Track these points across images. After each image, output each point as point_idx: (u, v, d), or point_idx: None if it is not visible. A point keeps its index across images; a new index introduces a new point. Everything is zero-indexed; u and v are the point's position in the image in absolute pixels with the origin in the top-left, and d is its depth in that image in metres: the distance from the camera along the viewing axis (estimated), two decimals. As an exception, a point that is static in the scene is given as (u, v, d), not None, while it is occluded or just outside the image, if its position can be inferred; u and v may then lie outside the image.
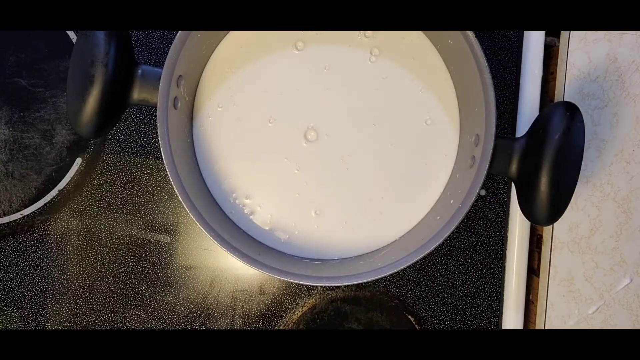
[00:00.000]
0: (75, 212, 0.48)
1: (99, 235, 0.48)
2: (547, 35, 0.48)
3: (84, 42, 0.36)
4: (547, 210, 0.35)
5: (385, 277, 0.42)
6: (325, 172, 0.44)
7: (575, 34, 0.46)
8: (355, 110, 0.44)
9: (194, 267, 0.49)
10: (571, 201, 0.35)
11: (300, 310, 0.48)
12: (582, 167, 0.38)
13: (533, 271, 0.49)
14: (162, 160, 0.36)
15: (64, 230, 0.48)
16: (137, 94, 0.37)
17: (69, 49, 0.47)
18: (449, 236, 0.38)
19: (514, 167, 0.36)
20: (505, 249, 0.48)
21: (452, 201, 0.41)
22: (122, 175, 0.48)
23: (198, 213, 0.39)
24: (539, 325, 0.48)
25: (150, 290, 0.49)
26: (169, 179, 0.38)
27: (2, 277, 0.49)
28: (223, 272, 0.49)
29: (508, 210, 0.48)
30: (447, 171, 0.44)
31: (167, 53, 0.36)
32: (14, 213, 0.48)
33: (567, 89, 0.46)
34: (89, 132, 0.35)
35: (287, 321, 0.48)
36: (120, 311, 0.49)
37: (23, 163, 0.48)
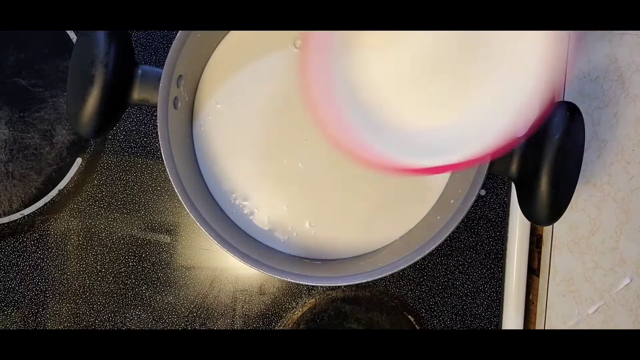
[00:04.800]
0: (75, 212, 0.48)
1: (99, 235, 0.48)
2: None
3: (84, 42, 0.36)
4: (547, 210, 0.35)
5: (385, 277, 0.42)
6: (325, 171, 0.44)
7: (576, 34, 0.46)
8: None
9: (194, 267, 0.49)
10: (571, 201, 0.35)
11: (300, 310, 0.48)
12: (582, 167, 0.38)
13: (533, 271, 0.49)
14: (162, 160, 0.36)
15: (64, 230, 0.48)
16: (137, 94, 0.37)
17: (69, 49, 0.47)
18: (449, 236, 0.38)
19: (514, 167, 0.36)
20: (505, 249, 0.48)
21: (452, 201, 0.41)
22: (122, 175, 0.48)
23: (198, 213, 0.39)
24: (539, 325, 0.48)
25: (150, 290, 0.49)
26: (169, 179, 0.38)
27: (2, 277, 0.49)
28: (223, 272, 0.49)
29: (508, 210, 0.48)
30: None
31: (167, 53, 0.36)
32: (14, 213, 0.48)
33: (567, 89, 0.46)
34: (89, 132, 0.35)
35: (287, 321, 0.48)
36: (120, 311, 0.49)
37: (23, 163, 0.48)
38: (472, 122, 0.29)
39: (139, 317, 0.49)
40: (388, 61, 0.30)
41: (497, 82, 0.29)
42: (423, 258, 0.38)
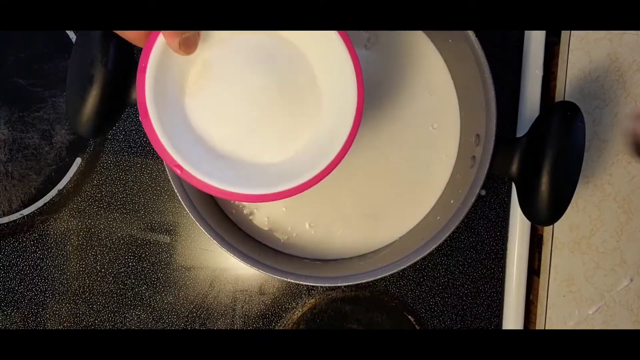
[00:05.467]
0: (75, 212, 0.48)
1: (99, 235, 0.48)
2: (547, 35, 0.47)
3: (83, 42, 0.36)
4: (547, 210, 0.35)
5: (385, 277, 0.42)
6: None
7: (576, 34, 0.46)
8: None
9: (194, 267, 0.49)
10: (572, 201, 0.35)
11: (300, 310, 0.48)
12: (583, 167, 0.38)
13: (533, 271, 0.49)
14: (162, 160, 0.36)
15: (64, 230, 0.48)
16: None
17: (69, 48, 0.47)
18: (449, 236, 0.38)
19: (514, 167, 0.36)
20: (506, 249, 0.48)
21: (452, 201, 0.40)
22: (122, 175, 0.48)
23: (198, 213, 0.39)
24: (539, 326, 0.48)
25: (150, 290, 0.49)
26: (169, 179, 0.38)
27: (2, 277, 0.49)
28: (223, 272, 0.49)
29: (508, 210, 0.48)
30: (448, 171, 0.44)
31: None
32: (13, 213, 0.48)
33: (568, 89, 0.46)
34: (88, 132, 0.35)
35: (287, 321, 0.48)
36: (120, 311, 0.49)
37: (22, 163, 0.48)
38: (304, 156, 0.34)
39: (139, 317, 0.49)
40: (222, 103, 0.34)
41: (318, 123, 0.34)
42: (423, 258, 0.38)
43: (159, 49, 0.31)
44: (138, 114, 0.48)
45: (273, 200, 0.33)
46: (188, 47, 0.31)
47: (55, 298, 0.49)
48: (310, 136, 0.34)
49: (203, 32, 0.32)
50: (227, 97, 0.33)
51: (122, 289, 0.49)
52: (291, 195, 0.32)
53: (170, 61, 0.31)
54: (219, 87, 0.33)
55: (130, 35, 0.30)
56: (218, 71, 0.33)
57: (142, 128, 0.48)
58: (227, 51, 0.33)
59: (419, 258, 0.38)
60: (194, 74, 0.33)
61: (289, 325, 0.48)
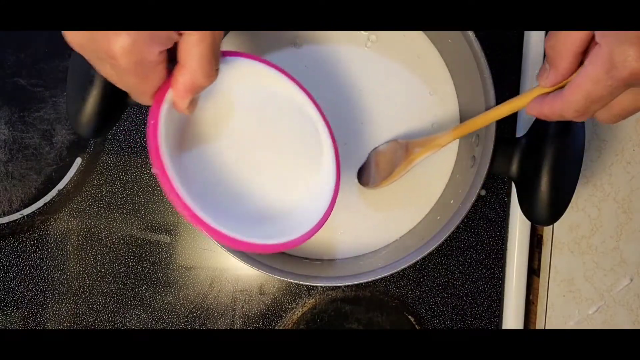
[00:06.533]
0: (75, 212, 0.48)
1: (99, 235, 0.48)
2: (547, 35, 0.47)
3: (83, 42, 0.36)
4: (547, 210, 0.35)
5: (385, 277, 0.42)
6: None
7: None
8: (356, 111, 0.44)
9: (194, 267, 0.49)
10: (571, 201, 0.35)
11: (300, 310, 0.48)
12: (583, 167, 0.38)
13: (533, 271, 0.49)
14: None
15: (64, 230, 0.48)
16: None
17: (69, 48, 0.47)
18: (449, 236, 0.38)
19: (514, 167, 0.36)
20: (506, 249, 0.48)
21: (452, 201, 0.41)
22: (122, 175, 0.48)
23: (198, 213, 0.39)
24: (539, 326, 0.48)
25: (150, 290, 0.49)
26: (169, 179, 0.38)
27: (2, 277, 0.49)
28: (223, 272, 0.49)
29: (508, 210, 0.48)
30: (448, 171, 0.44)
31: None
32: (13, 213, 0.48)
33: (568, 89, 0.46)
34: (88, 132, 0.35)
35: (287, 321, 0.48)
36: (120, 311, 0.49)
37: (23, 163, 0.48)
38: (296, 212, 0.36)
39: (139, 317, 0.49)
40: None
41: (306, 179, 0.37)
42: (423, 258, 0.38)
43: (166, 107, 0.30)
44: (138, 113, 0.49)
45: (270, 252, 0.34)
46: (194, 107, 0.31)
47: (55, 298, 0.49)
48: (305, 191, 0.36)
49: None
50: (237, 140, 0.34)
51: (122, 289, 0.49)
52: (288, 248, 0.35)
53: (171, 117, 0.31)
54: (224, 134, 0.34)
55: (144, 92, 0.29)
56: (221, 121, 0.34)
57: (142, 128, 0.49)
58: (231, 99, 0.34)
59: (419, 258, 0.38)
60: (193, 128, 0.33)
61: (289, 325, 0.48)
